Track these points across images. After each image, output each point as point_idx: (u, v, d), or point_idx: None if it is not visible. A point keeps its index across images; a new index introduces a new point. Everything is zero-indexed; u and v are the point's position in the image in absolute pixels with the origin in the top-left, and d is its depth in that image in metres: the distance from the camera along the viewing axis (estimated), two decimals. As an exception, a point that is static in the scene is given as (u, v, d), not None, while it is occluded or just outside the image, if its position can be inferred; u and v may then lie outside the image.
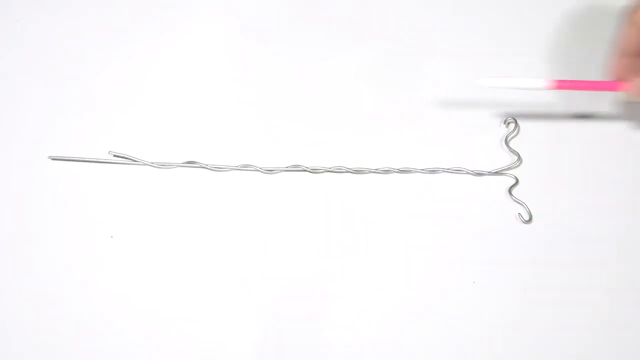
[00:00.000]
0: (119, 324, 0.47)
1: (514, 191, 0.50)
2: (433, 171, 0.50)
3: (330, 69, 0.53)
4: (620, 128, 0.51)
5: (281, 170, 0.51)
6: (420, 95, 0.52)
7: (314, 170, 0.50)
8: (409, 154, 0.51)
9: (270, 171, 0.50)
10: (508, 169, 0.50)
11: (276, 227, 0.49)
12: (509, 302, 0.48)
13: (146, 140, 0.51)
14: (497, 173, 0.50)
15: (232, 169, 0.51)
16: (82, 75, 0.53)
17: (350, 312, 0.47)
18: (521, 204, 0.49)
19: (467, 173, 0.50)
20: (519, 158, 0.50)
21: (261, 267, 0.48)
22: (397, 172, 0.50)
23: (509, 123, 0.51)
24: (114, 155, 0.51)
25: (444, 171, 0.50)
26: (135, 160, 0.51)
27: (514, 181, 0.50)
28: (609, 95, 0.51)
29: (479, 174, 0.50)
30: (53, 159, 0.51)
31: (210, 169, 0.50)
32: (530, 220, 0.49)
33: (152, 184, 0.50)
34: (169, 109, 0.52)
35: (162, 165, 0.51)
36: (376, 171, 0.50)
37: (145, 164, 0.51)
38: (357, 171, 0.50)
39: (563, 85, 0.47)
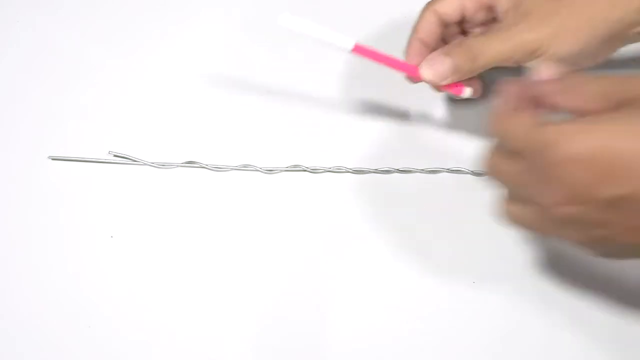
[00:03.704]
0: (119, 324, 0.47)
1: (514, 191, 0.50)
2: (433, 171, 0.50)
3: (330, 68, 0.53)
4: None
5: (281, 170, 0.51)
6: (420, 95, 0.52)
7: (314, 170, 0.50)
8: (410, 153, 0.51)
9: (270, 171, 0.50)
10: (508, 169, 0.50)
11: (276, 227, 0.49)
12: (509, 302, 0.48)
13: (146, 140, 0.51)
14: (497, 173, 0.50)
15: (232, 169, 0.51)
16: (82, 75, 0.53)
17: (351, 312, 0.47)
18: (521, 204, 0.49)
19: (467, 173, 0.50)
20: (519, 158, 0.50)
21: (261, 267, 0.48)
22: (397, 172, 0.50)
23: (509, 123, 0.51)
24: (114, 155, 0.51)
25: (444, 171, 0.50)
26: (135, 160, 0.51)
27: (514, 181, 0.50)
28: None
29: (479, 174, 0.50)
30: (53, 159, 0.51)
31: (210, 169, 0.51)
32: (530, 220, 0.49)
33: (152, 184, 0.50)
34: (169, 109, 0.52)
35: (162, 165, 0.51)
36: (376, 171, 0.50)
37: (145, 164, 0.51)
38: (357, 171, 0.50)
39: (365, 52, 0.45)
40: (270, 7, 0.55)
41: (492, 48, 0.43)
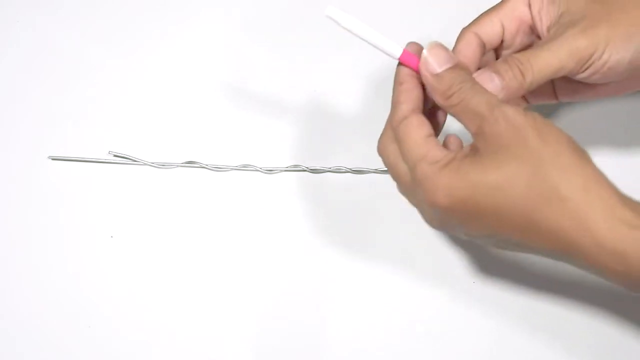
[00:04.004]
0: (119, 324, 0.47)
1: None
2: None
3: (330, 68, 0.53)
4: (618, 126, 0.51)
5: (281, 170, 0.51)
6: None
7: (313, 171, 0.50)
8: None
9: (270, 171, 0.50)
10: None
11: (276, 227, 0.49)
12: (509, 302, 0.48)
13: (146, 140, 0.51)
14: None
15: (232, 169, 0.51)
16: (82, 75, 0.53)
17: (351, 312, 0.47)
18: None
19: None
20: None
21: (261, 267, 0.48)
22: (397, 172, 0.50)
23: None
24: (114, 155, 0.51)
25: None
26: (135, 160, 0.51)
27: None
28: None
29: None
30: (53, 159, 0.51)
31: (210, 169, 0.51)
32: (530, 220, 0.49)
33: (152, 184, 0.50)
34: (169, 109, 0.52)
35: (162, 165, 0.51)
36: (376, 171, 0.50)
37: (145, 164, 0.51)
38: (357, 171, 0.50)
39: (410, 60, 0.40)
40: (270, 7, 0.55)
41: (540, 60, 0.39)
